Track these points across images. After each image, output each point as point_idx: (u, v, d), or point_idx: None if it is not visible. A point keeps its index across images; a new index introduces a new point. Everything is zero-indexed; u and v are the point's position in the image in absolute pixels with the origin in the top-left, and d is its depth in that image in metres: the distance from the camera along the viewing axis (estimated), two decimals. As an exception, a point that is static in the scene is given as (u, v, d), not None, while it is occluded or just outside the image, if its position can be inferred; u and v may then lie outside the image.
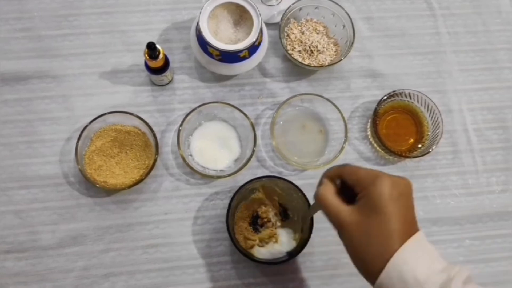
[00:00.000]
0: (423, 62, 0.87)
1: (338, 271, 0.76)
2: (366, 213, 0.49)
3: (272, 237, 0.74)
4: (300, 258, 0.69)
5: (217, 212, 0.77)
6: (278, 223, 0.75)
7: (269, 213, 0.75)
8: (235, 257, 0.75)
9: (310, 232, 0.70)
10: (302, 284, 0.76)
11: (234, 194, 0.71)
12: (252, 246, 0.73)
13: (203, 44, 0.73)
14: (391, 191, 0.48)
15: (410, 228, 0.49)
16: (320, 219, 0.78)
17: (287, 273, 0.76)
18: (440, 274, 0.46)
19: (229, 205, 0.71)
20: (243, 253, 0.69)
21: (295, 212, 0.75)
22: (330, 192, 0.52)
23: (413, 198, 0.51)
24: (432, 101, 0.79)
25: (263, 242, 0.74)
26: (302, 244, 0.70)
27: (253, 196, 0.76)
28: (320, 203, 0.53)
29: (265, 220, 0.75)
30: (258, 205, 0.76)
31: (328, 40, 0.85)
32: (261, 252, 0.72)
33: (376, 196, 0.48)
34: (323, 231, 0.78)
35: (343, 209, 0.50)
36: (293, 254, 0.70)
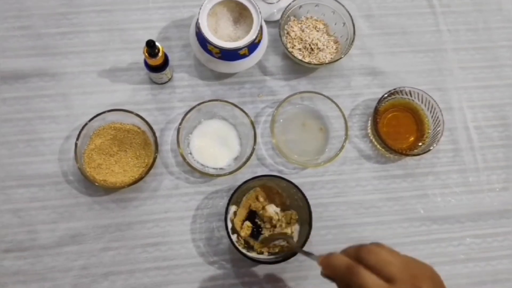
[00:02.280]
0: (423, 60, 0.87)
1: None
2: None
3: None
4: (300, 256, 0.69)
5: (217, 211, 0.77)
6: (280, 223, 0.74)
7: (268, 213, 0.75)
8: (235, 256, 0.75)
9: (309, 231, 0.70)
10: (302, 283, 0.75)
11: (233, 193, 0.70)
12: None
13: (203, 42, 0.73)
14: None
15: None
16: (319, 219, 0.78)
17: (286, 272, 0.75)
18: None
19: (228, 204, 0.70)
20: (241, 253, 0.69)
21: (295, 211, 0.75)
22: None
23: (441, 285, 0.48)
24: (432, 98, 0.79)
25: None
26: (301, 244, 0.70)
27: (252, 195, 0.75)
28: None
29: (264, 220, 0.74)
30: (258, 205, 0.75)
31: (328, 38, 0.84)
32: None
33: None
34: (323, 229, 0.78)
35: None
36: (292, 254, 0.70)
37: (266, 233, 0.74)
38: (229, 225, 0.71)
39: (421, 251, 0.78)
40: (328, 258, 0.50)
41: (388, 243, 0.77)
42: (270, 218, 0.74)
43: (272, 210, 0.74)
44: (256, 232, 0.74)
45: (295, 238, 0.73)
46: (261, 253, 0.72)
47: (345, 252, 0.50)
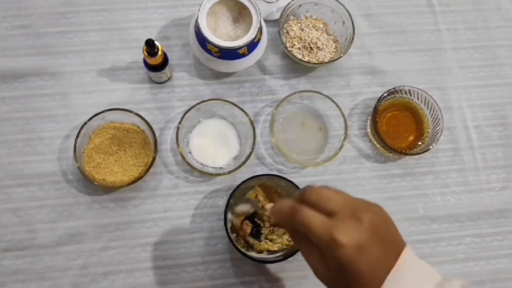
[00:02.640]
0: (422, 59, 0.87)
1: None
2: (338, 273, 0.45)
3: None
4: (300, 255, 0.68)
5: (216, 210, 0.76)
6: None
7: (267, 213, 0.75)
8: (234, 255, 0.75)
9: None
10: (302, 282, 0.75)
11: (233, 192, 0.70)
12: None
13: (202, 41, 0.73)
14: (353, 251, 0.43)
15: (390, 260, 0.45)
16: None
17: (285, 271, 0.75)
18: None
19: (227, 203, 0.70)
20: (241, 252, 0.69)
21: None
22: (299, 236, 0.48)
23: (386, 221, 0.47)
24: (432, 98, 0.79)
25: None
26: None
27: (252, 194, 0.75)
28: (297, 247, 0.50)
29: (264, 219, 0.74)
30: (257, 204, 0.75)
31: (328, 37, 0.84)
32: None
33: (340, 262, 0.44)
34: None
35: (318, 263, 0.47)
36: (291, 253, 0.70)
37: (265, 231, 0.74)
38: (229, 225, 0.71)
39: (420, 250, 0.78)
40: (274, 204, 0.51)
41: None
42: (269, 218, 0.74)
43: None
44: (255, 231, 0.74)
45: None
46: (260, 252, 0.72)
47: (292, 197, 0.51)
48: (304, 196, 0.48)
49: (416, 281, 0.44)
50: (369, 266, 0.44)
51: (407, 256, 0.45)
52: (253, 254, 0.71)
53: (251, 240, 0.73)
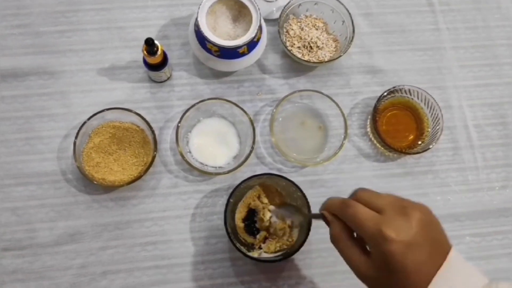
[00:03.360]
0: (422, 58, 0.87)
1: (337, 267, 0.75)
2: (383, 270, 0.45)
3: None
4: (300, 255, 0.69)
5: (216, 209, 0.76)
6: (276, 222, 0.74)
7: (266, 213, 0.74)
8: (234, 255, 0.75)
9: (308, 231, 0.69)
10: (302, 281, 0.75)
11: (233, 191, 0.70)
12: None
13: (202, 40, 0.73)
14: (401, 247, 0.44)
15: (437, 260, 0.45)
16: (319, 216, 0.78)
17: (286, 271, 0.75)
18: None
19: (227, 202, 0.70)
20: (241, 251, 0.69)
21: (295, 213, 0.74)
22: (343, 236, 0.50)
23: (434, 221, 0.48)
24: (432, 97, 0.79)
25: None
26: (300, 242, 0.70)
27: (252, 194, 0.75)
28: (336, 247, 0.51)
29: (262, 219, 0.74)
30: (258, 203, 0.75)
31: (328, 36, 0.84)
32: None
33: (387, 258, 0.44)
34: (322, 228, 0.78)
35: (361, 261, 0.48)
36: (291, 252, 0.70)
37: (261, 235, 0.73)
38: (228, 224, 0.70)
39: (420, 250, 0.78)
40: (326, 203, 0.54)
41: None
42: (263, 221, 0.73)
43: (269, 217, 0.74)
44: (254, 229, 0.74)
45: (295, 238, 0.73)
46: (260, 248, 0.72)
47: (330, 206, 0.53)
48: (355, 194, 0.50)
49: (463, 283, 0.44)
50: (417, 264, 0.44)
51: (454, 257, 0.45)
52: (253, 253, 0.71)
53: (249, 239, 0.73)
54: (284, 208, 0.73)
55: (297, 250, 0.69)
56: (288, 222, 0.73)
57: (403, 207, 0.46)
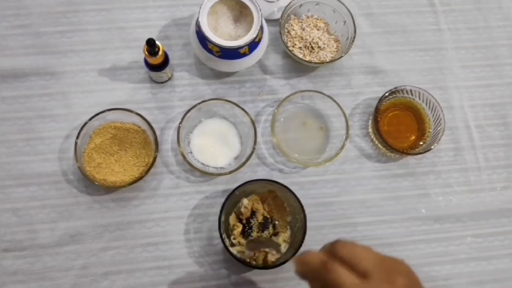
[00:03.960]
0: (424, 59, 0.87)
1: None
2: None
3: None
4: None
5: (217, 210, 0.76)
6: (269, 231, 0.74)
7: (259, 216, 0.74)
8: (236, 255, 0.75)
9: (304, 234, 0.69)
10: (300, 283, 0.74)
11: (227, 198, 0.70)
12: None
13: (203, 40, 0.72)
14: None
15: None
16: (320, 218, 0.77)
17: (285, 272, 0.75)
18: None
19: (222, 208, 0.70)
20: (233, 256, 0.68)
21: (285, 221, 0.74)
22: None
23: (415, 281, 0.47)
24: (433, 97, 0.79)
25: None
26: (297, 246, 0.69)
27: (249, 199, 0.75)
28: None
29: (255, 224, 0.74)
30: (259, 206, 0.75)
31: (329, 36, 0.84)
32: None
33: None
34: (323, 229, 0.78)
35: None
36: (284, 261, 0.69)
37: (254, 235, 0.73)
38: (223, 228, 0.70)
39: (422, 250, 0.78)
40: (303, 255, 0.49)
41: (389, 242, 0.78)
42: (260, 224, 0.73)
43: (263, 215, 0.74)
44: (246, 231, 0.73)
45: (285, 245, 0.72)
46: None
47: (322, 249, 0.49)
48: (335, 250, 0.46)
49: None
50: None
51: None
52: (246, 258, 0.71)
53: (241, 241, 0.72)
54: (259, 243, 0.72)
55: (295, 253, 0.68)
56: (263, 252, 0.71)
57: (388, 272, 0.44)
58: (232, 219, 0.74)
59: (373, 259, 0.45)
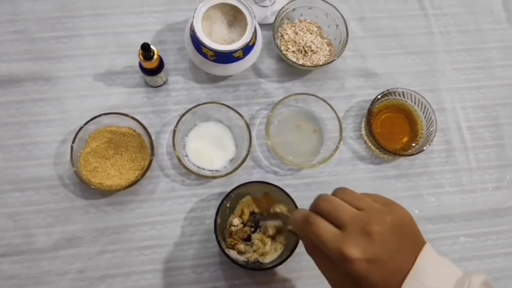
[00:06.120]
0: (416, 62, 0.88)
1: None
2: (353, 284, 0.45)
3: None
4: (294, 257, 0.69)
5: (213, 213, 0.76)
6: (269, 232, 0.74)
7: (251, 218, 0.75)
8: (232, 257, 0.75)
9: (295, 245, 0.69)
10: (296, 284, 0.76)
11: (223, 200, 0.70)
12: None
13: (197, 44, 0.73)
14: (364, 265, 0.44)
15: (408, 262, 0.44)
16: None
17: (283, 273, 0.76)
18: None
19: (217, 210, 0.70)
20: (230, 258, 0.69)
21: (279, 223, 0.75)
22: (314, 248, 0.49)
23: (400, 223, 0.47)
24: (425, 99, 0.80)
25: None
26: (292, 247, 0.69)
27: (244, 201, 0.75)
28: (312, 259, 0.51)
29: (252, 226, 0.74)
30: (251, 210, 0.75)
31: (322, 40, 0.85)
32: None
33: (353, 276, 0.44)
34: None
35: (332, 275, 0.48)
36: (279, 262, 0.70)
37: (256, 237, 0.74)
38: (219, 231, 0.70)
39: (416, 251, 0.78)
40: (292, 213, 0.52)
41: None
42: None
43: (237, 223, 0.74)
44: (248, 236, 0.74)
45: (281, 247, 0.73)
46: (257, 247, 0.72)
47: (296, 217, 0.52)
48: (316, 205, 0.49)
49: (435, 281, 0.44)
50: (383, 275, 0.44)
51: (424, 257, 0.45)
52: (243, 258, 0.71)
53: (243, 246, 0.73)
54: (270, 217, 0.73)
55: (289, 256, 0.69)
56: (271, 231, 0.73)
57: (366, 222, 0.45)
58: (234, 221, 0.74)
59: (350, 211, 0.47)
